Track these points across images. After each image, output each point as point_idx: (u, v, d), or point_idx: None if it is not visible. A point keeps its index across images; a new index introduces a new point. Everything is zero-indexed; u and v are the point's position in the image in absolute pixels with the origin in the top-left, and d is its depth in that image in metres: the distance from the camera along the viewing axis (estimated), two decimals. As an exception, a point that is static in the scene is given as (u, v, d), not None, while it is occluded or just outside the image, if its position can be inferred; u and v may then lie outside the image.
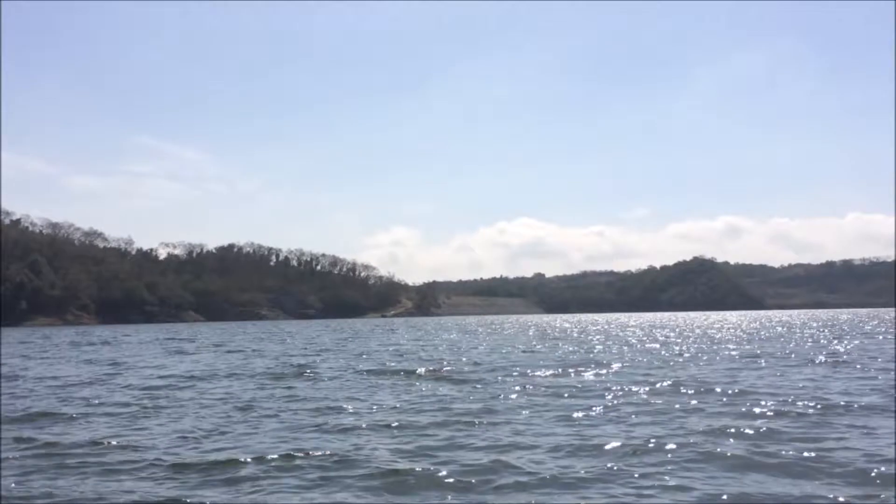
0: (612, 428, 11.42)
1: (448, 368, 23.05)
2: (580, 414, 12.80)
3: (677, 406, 13.55)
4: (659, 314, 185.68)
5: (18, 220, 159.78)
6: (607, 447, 9.90)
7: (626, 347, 34.42)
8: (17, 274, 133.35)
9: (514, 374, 20.87)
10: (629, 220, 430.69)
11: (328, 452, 9.84)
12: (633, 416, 12.44)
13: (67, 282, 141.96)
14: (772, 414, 12.49)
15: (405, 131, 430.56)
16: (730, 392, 15.49)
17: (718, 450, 9.58)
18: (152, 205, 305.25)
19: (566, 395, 15.59)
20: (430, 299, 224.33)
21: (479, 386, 17.82)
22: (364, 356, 30.55)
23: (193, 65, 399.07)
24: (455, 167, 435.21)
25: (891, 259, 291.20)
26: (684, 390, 15.99)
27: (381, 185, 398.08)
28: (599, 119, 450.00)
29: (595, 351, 31.84)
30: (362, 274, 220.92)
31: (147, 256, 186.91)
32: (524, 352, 32.05)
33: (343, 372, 22.54)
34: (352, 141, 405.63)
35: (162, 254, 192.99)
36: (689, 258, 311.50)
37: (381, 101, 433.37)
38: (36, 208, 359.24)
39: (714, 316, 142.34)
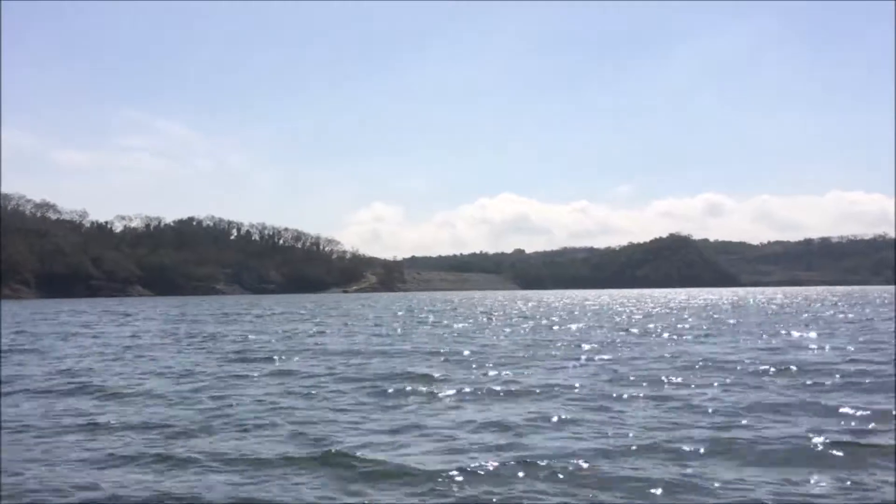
0: None
1: None
2: None
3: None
4: (600, 291, 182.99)
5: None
6: None
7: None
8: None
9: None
10: (613, 196, 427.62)
11: None
12: None
13: (6, 255, 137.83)
14: None
15: (389, 109, 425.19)
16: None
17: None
18: (137, 179, 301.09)
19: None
20: (395, 274, 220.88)
21: None
22: None
23: (181, 39, 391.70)
24: (438, 144, 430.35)
25: (868, 237, 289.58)
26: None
27: (365, 162, 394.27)
28: (582, 95, 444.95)
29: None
30: (326, 248, 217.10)
31: (102, 229, 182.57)
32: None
33: None
34: (336, 119, 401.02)
35: (118, 227, 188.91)
36: (666, 235, 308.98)
37: (366, 79, 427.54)
38: (21, 182, 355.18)
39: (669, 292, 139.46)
